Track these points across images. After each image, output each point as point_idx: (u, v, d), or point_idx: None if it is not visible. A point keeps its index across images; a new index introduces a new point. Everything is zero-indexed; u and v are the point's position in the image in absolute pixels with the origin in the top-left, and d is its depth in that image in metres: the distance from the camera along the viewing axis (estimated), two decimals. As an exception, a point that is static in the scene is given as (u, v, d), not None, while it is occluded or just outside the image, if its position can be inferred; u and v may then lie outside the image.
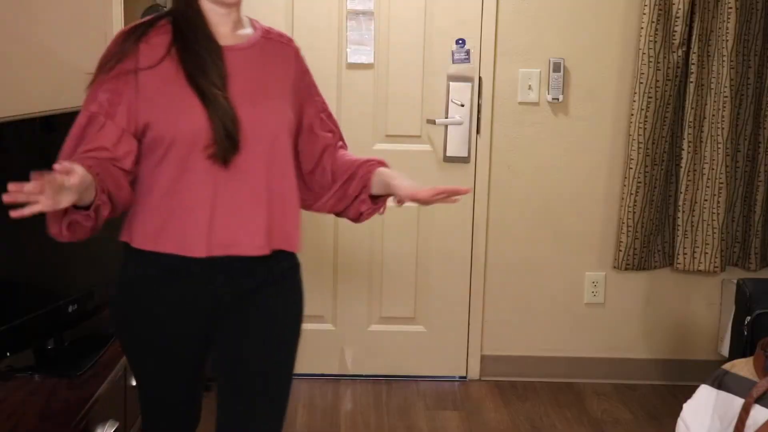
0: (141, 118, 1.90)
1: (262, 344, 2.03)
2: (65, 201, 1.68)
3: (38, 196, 1.62)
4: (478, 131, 3.91)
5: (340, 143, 2.20)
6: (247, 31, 2.05)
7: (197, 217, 1.92)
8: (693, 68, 3.77)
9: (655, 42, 3.74)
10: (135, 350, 2.05)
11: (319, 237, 3.97)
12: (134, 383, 2.61)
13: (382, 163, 2.14)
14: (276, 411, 2.10)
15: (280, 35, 2.12)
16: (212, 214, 1.92)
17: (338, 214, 2.20)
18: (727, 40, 3.75)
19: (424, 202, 2.03)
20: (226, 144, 1.88)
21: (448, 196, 1.99)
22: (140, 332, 2.01)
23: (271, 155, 1.97)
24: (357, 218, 2.18)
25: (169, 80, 1.91)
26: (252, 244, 1.96)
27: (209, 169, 1.90)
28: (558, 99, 3.87)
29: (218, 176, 1.91)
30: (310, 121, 2.13)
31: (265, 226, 1.97)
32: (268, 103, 1.99)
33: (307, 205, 2.17)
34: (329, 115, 2.19)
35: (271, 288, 2.03)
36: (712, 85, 3.80)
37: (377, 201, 2.15)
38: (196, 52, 1.92)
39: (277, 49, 2.08)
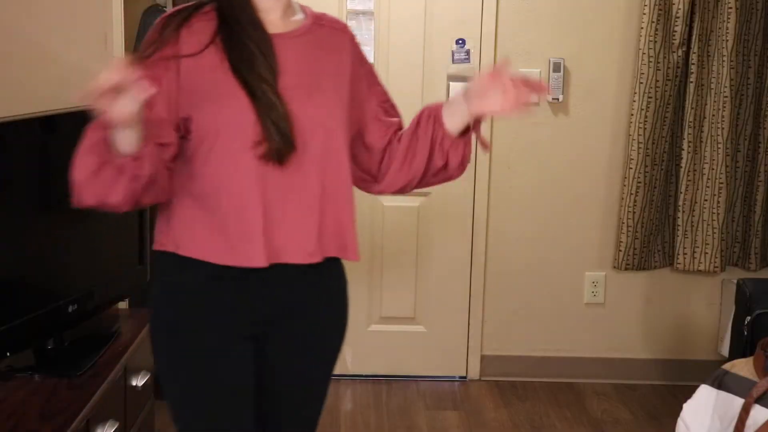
0: (182, 110, 1.75)
1: (307, 358, 1.92)
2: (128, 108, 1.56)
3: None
4: (478, 131, 3.90)
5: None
6: (298, 17, 1.88)
7: (249, 222, 1.75)
8: (693, 68, 3.77)
9: (655, 42, 3.74)
10: (179, 362, 1.85)
11: (319, 237, 3.97)
12: (134, 383, 2.61)
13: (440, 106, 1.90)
14: (311, 424, 2.01)
15: (334, 21, 1.94)
16: (264, 219, 1.75)
17: (423, 178, 1.93)
18: (727, 40, 3.75)
19: (501, 110, 1.78)
20: (278, 143, 1.72)
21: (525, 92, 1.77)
22: (186, 342, 1.83)
23: (325, 154, 1.81)
24: (446, 166, 1.89)
25: (212, 70, 1.75)
26: (304, 251, 1.81)
27: (259, 169, 1.74)
28: (558, 99, 3.87)
29: (269, 177, 1.75)
30: (374, 111, 1.94)
31: (317, 231, 1.82)
32: (323, 96, 1.83)
33: (374, 185, 1.97)
34: (392, 105, 2.00)
35: (321, 299, 1.91)
36: (712, 85, 3.80)
37: (459, 137, 1.88)
38: (243, 43, 1.76)
39: (331, 36, 1.90)
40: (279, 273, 1.80)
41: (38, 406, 2.19)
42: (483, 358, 4.05)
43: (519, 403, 3.84)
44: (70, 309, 2.48)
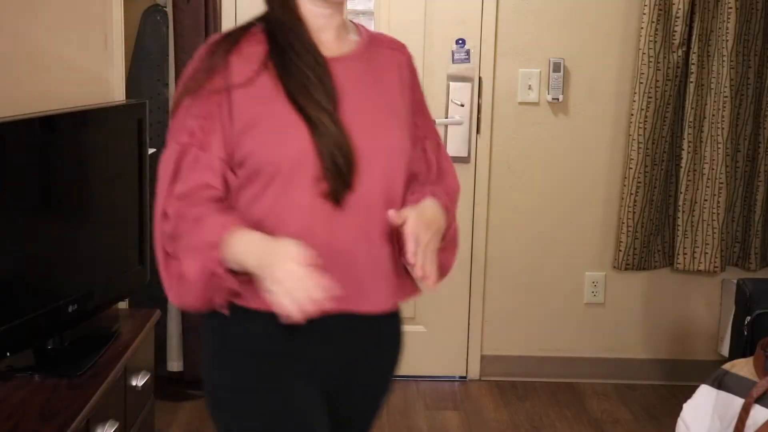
0: (238, 146, 1.59)
1: (373, 401, 1.83)
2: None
3: None
4: (478, 131, 3.91)
5: (430, 188, 1.74)
6: (353, 37, 1.74)
7: (321, 269, 1.55)
8: (693, 68, 3.77)
9: (655, 42, 3.74)
10: (246, 422, 1.69)
11: (319, 237, 3.97)
12: (134, 383, 2.62)
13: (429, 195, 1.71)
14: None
15: (391, 41, 1.80)
16: (329, 264, 1.56)
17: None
18: (727, 40, 3.75)
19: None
20: (337, 178, 1.57)
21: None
22: (262, 406, 1.67)
23: (389, 188, 1.66)
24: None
25: (267, 99, 1.59)
26: (376, 300, 1.67)
27: (318, 207, 1.58)
28: (558, 99, 3.87)
29: (330, 216, 1.60)
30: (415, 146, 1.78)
31: (387, 276, 1.67)
32: (386, 124, 1.67)
33: None
34: (437, 146, 1.83)
35: (388, 344, 1.79)
36: (712, 85, 3.80)
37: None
38: (297, 67, 1.59)
39: (388, 57, 1.75)
40: (348, 322, 1.65)
41: (38, 406, 2.19)
42: (483, 358, 4.05)
43: (519, 403, 3.84)
44: (70, 309, 2.48)
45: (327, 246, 1.59)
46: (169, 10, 3.62)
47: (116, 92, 3.02)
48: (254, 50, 1.62)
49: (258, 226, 1.58)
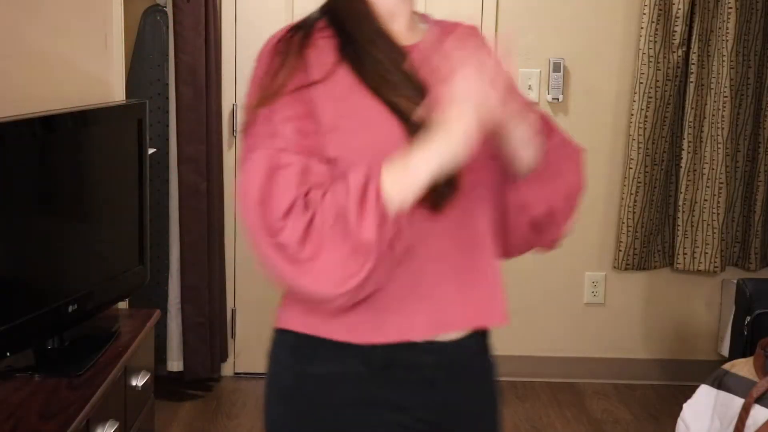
0: (325, 147, 1.39)
1: None
2: None
3: None
4: (478, 131, 3.90)
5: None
6: (422, 26, 1.57)
7: (403, 283, 1.39)
8: (693, 68, 3.77)
9: (655, 42, 3.74)
10: None
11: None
12: (134, 383, 2.62)
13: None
14: None
15: (460, 26, 1.64)
16: (422, 278, 1.40)
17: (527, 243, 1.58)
18: (727, 40, 3.75)
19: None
20: (439, 182, 1.35)
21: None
22: None
23: (481, 189, 1.46)
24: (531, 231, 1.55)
25: (348, 95, 1.41)
26: (463, 320, 1.47)
27: (416, 214, 1.36)
28: (558, 99, 3.87)
29: (428, 223, 1.39)
30: None
31: (475, 293, 1.47)
32: None
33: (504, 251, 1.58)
34: (541, 119, 1.60)
35: (481, 385, 1.58)
36: (712, 85, 3.80)
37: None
38: (376, 59, 1.42)
39: (462, 43, 1.51)
40: (440, 352, 1.45)
41: (38, 406, 2.19)
42: (483, 358, 4.05)
43: (519, 403, 3.84)
44: (70, 309, 2.48)
45: (426, 258, 1.39)
46: (169, 10, 3.62)
47: (116, 92, 3.02)
48: (326, 43, 1.44)
49: None
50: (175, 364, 3.80)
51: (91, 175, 2.68)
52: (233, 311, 4.03)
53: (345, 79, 1.41)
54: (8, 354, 2.27)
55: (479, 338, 1.55)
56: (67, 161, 2.55)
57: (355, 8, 1.47)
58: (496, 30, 3.84)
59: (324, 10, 1.50)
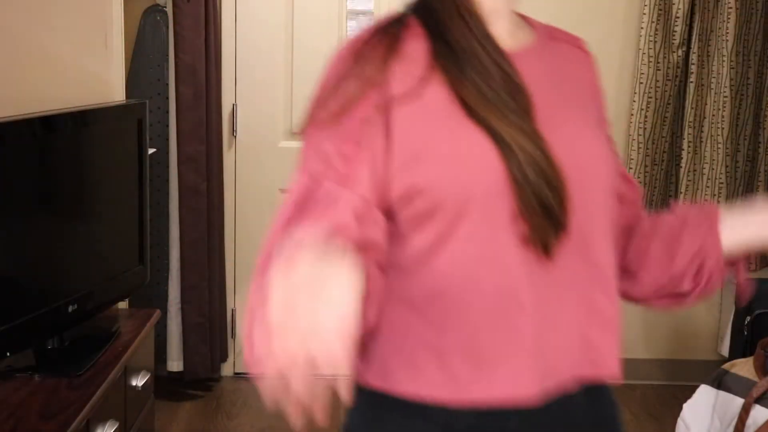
0: (400, 179, 1.14)
1: None
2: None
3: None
4: (478, 131, 3.90)
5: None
6: (525, 29, 1.32)
7: (511, 335, 1.14)
8: (693, 68, 3.77)
9: (655, 42, 3.74)
10: None
11: (319, 237, 3.97)
12: (134, 383, 2.62)
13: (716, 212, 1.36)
14: None
15: (569, 35, 1.41)
16: (533, 328, 1.15)
17: (660, 297, 1.45)
18: (727, 40, 3.75)
19: None
20: (544, 216, 1.13)
21: None
22: None
23: (596, 222, 1.21)
24: (689, 292, 1.38)
25: (441, 114, 1.15)
26: (575, 371, 1.19)
27: (522, 257, 1.14)
28: (558, 99, 3.87)
29: (536, 268, 1.15)
30: (615, 164, 1.32)
31: (589, 339, 1.20)
32: (588, 138, 1.23)
33: (624, 282, 1.38)
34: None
35: None
36: (712, 85, 3.80)
37: (730, 262, 1.43)
38: (476, 70, 1.16)
39: (570, 55, 1.37)
40: (553, 412, 1.17)
41: (38, 406, 2.19)
42: (483, 358, 4.05)
43: (519, 403, 3.83)
44: (70, 309, 2.48)
45: (536, 310, 1.15)
46: (169, 10, 3.63)
47: (116, 92, 3.02)
48: (415, 49, 1.18)
49: (439, 289, 1.14)
50: (175, 364, 3.80)
51: (91, 175, 2.68)
52: (233, 311, 4.03)
53: (437, 96, 1.15)
54: (8, 354, 2.27)
55: (595, 393, 1.23)
56: (67, 161, 2.55)
57: (455, 7, 1.19)
58: (496, 30, 3.85)
59: (412, 8, 1.23)
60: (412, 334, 1.16)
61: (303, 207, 1.12)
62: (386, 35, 1.19)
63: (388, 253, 1.14)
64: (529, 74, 1.19)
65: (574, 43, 1.40)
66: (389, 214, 1.15)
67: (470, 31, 1.18)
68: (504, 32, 1.23)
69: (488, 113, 1.14)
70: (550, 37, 1.34)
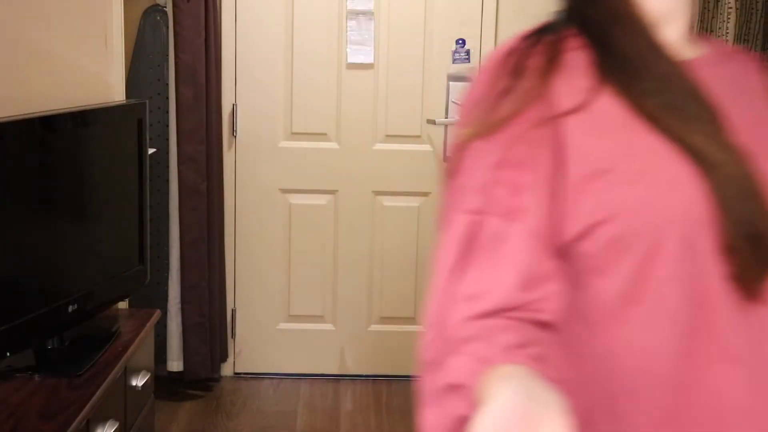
0: (579, 202, 0.97)
1: None
2: None
3: None
4: (478, 131, 3.90)
5: None
6: (697, 41, 1.16)
7: (734, 412, 0.97)
8: (693, 68, 3.78)
9: (655, 42, 3.75)
10: None
11: (318, 237, 3.97)
12: (134, 383, 2.62)
13: None
14: None
15: (731, 46, 1.30)
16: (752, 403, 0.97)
17: None
18: (727, 40, 3.75)
19: None
20: (754, 250, 0.95)
21: None
22: None
23: None
24: None
25: (618, 131, 1.01)
26: None
27: (732, 302, 0.97)
28: (558, 99, 3.87)
29: (748, 317, 0.97)
30: None
31: None
32: None
33: None
34: None
35: None
36: (712, 85, 3.80)
37: None
38: (656, 80, 1.02)
39: (743, 62, 1.19)
40: None
41: (38, 406, 2.19)
42: (483, 358, 4.05)
43: (519, 403, 3.83)
44: (70, 309, 2.48)
45: (750, 366, 0.97)
46: (169, 10, 3.63)
47: (116, 92, 3.02)
48: (577, 61, 1.05)
49: (618, 352, 0.96)
50: (175, 364, 3.81)
51: (91, 175, 2.68)
52: (233, 311, 4.03)
53: (610, 109, 1.01)
54: (8, 354, 2.28)
55: None
56: (67, 161, 2.55)
57: (617, 9, 1.07)
58: (496, 30, 3.84)
59: (570, 13, 1.11)
60: (592, 424, 0.95)
61: (467, 252, 0.97)
62: (544, 46, 1.07)
63: (570, 304, 0.97)
64: (709, 85, 1.05)
65: (742, 56, 1.21)
66: (564, 251, 0.97)
67: (636, 38, 1.05)
68: (676, 39, 1.10)
69: (676, 124, 0.99)
70: (722, 51, 1.19)
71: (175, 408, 3.70)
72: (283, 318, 4.05)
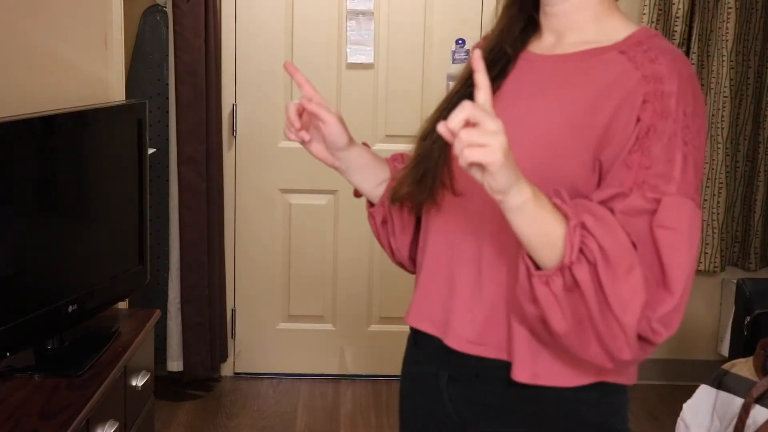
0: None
1: None
2: (314, 148, 1.63)
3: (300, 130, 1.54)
4: (477, 131, 3.89)
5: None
6: (602, 43, 1.47)
7: (423, 278, 1.68)
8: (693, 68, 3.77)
9: (655, 42, 3.74)
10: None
11: (318, 237, 3.97)
12: (134, 383, 2.62)
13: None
14: None
15: (656, 57, 1.42)
16: (435, 278, 1.63)
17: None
18: (727, 40, 3.75)
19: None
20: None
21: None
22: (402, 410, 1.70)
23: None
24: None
25: None
26: (462, 335, 1.46)
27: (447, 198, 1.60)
28: (558, 99, 3.86)
29: (437, 219, 1.64)
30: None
31: (488, 312, 1.44)
32: (524, 136, 1.47)
33: None
34: (650, 208, 1.37)
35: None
36: (712, 85, 3.80)
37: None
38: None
39: (611, 69, 1.43)
40: (455, 361, 1.49)
41: (38, 406, 2.19)
42: (483, 358, 4.05)
43: (519, 403, 3.83)
44: (70, 309, 2.48)
45: (445, 253, 1.57)
46: (169, 10, 3.63)
47: (116, 92, 3.02)
48: None
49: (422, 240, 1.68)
50: (175, 364, 3.81)
51: (91, 176, 2.68)
52: (233, 311, 4.03)
53: None
54: (8, 354, 2.28)
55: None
56: (67, 161, 2.55)
57: None
58: (496, 30, 3.84)
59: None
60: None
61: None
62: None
63: None
64: (532, 72, 1.50)
65: (637, 61, 1.35)
66: None
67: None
68: (552, 41, 1.53)
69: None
70: (624, 51, 1.37)
71: (175, 408, 3.70)
72: (283, 318, 4.05)
